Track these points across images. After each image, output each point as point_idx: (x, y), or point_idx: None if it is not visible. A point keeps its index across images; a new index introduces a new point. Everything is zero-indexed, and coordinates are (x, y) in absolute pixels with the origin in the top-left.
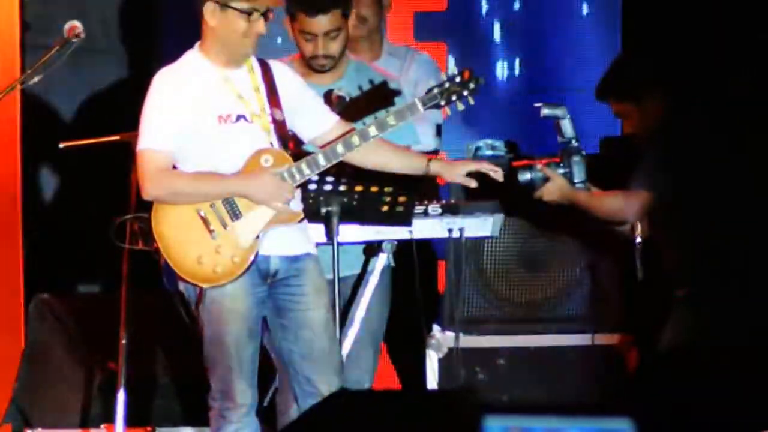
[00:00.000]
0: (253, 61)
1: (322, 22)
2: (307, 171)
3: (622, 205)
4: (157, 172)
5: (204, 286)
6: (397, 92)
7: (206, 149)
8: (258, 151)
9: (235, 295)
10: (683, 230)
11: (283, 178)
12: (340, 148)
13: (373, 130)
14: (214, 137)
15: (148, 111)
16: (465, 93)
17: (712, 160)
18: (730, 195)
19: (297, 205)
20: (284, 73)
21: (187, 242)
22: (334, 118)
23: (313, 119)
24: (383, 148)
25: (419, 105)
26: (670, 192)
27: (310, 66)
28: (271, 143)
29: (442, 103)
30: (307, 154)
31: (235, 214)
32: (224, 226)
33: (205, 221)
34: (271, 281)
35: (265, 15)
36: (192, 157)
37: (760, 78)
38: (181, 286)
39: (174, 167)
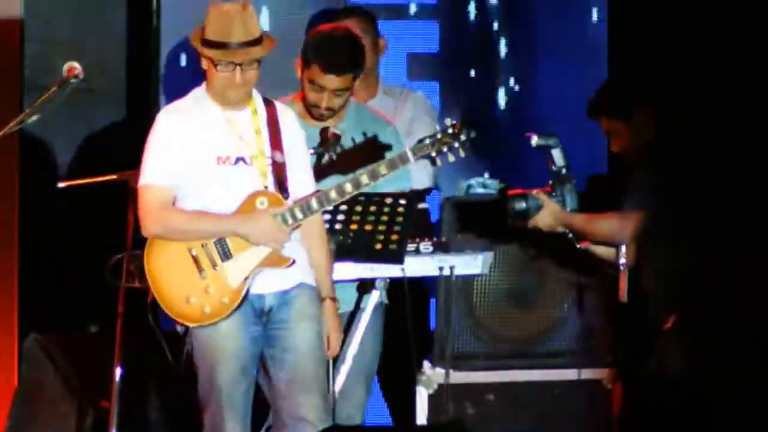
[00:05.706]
0: (258, 102)
1: (333, 81)
2: (300, 216)
3: (617, 227)
4: (157, 208)
5: (192, 326)
6: (390, 145)
7: (203, 189)
8: (253, 194)
9: (228, 333)
10: (672, 253)
11: (281, 219)
12: (333, 194)
13: (365, 179)
14: (212, 178)
15: (151, 146)
16: (456, 145)
17: (701, 180)
18: (720, 215)
19: (292, 249)
20: (289, 119)
21: (177, 282)
22: (310, 188)
23: (291, 180)
24: (317, 249)
25: (410, 155)
26: (660, 212)
27: (309, 111)
28: (266, 186)
29: (433, 153)
30: None
31: (226, 255)
32: (214, 266)
33: (196, 260)
34: (265, 319)
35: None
36: (189, 195)
37: (750, 95)
38: (178, 327)
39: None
